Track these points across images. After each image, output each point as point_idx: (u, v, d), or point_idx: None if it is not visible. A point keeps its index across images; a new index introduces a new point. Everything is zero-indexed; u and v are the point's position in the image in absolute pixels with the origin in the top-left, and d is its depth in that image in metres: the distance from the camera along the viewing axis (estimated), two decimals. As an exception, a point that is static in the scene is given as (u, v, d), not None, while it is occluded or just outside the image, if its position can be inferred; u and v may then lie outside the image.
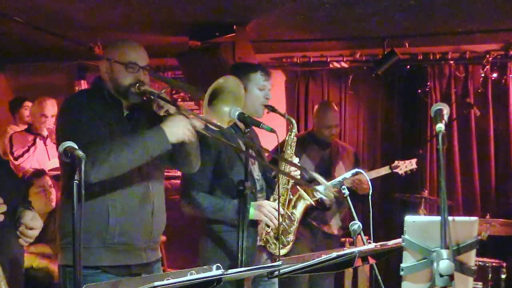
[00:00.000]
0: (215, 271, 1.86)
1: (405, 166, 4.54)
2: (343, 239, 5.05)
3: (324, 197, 3.26)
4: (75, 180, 1.93)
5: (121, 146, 2.51)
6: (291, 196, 3.25)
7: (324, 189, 3.28)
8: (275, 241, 3.14)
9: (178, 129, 2.63)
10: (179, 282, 1.73)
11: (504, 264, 4.46)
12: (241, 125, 2.98)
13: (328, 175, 4.40)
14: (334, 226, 4.54)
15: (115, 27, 5.12)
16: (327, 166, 4.47)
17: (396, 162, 4.57)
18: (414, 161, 4.56)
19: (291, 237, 3.20)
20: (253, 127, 3.03)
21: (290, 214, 3.20)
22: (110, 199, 2.61)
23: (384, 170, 4.55)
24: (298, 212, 3.26)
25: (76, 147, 2.04)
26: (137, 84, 2.72)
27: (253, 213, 3.07)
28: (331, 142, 4.57)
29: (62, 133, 2.67)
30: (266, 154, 3.43)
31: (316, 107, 4.85)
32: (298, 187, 3.29)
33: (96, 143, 2.52)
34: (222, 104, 2.71)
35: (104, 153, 2.48)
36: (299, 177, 3.29)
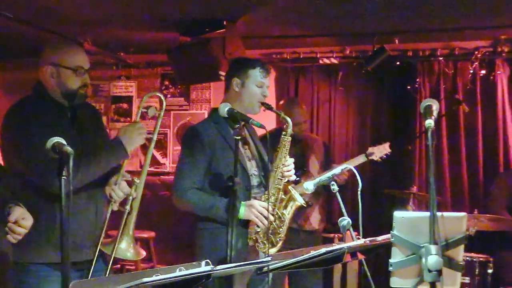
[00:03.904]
0: (204, 267, 1.86)
1: (379, 151, 4.56)
2: (332, 235, 5.08)
3: (300, 202, 3.26)
4: (63, 176, 1.93)
5: (88, 164, 2.71)
6: (283, 196, 3.24)
7: (299, 193, 3.31)
8: (264, 241, 3.12)
9: (133, 139, 2.85)
10: (168, 278, 1.72)
11: (491, 259, 4.49)
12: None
13: (303, 170, 4.43)
14: (314, 221, 4.58)
15: (105, 22, 5.10)
16: (301, 161, 4.47)
17: (370, 149, 4.58)
18: (386, 144, 4.59)
19: (280, 237, 3.19)
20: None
21: (280, 215, 3.19)
22: (56, 200, 2.58)
23: (360, 159, 4.54)
24: (288, 212, 3.26)
25: (65, 142, 2.04)
26: (84, 87, 2.85)
27: (243, 212, 3.06)
28: (301, 137, 4.57)
29: (13, 148, 2.73)
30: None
31: (281, 103, 4.83)
32: (289, 187, 3.29)
33: None
34: None
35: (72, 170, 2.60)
36: (292, 177, 3.29)
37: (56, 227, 2.67)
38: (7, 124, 2.78)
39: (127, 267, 5.80)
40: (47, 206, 2.67)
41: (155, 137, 2.99)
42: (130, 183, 2.89)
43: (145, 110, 3.17)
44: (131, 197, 2.88)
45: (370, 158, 4.56)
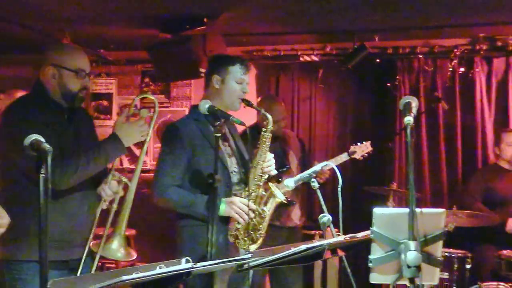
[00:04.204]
0: (184, 265, 1.86)
1: (361, 149, 4.65)
2: (313, 232, 5.10)
3: (280, 198, 3.27)
4: (42, 174, 1.91)
5: (87, 160, 2.75)
6: (263, 193, 3.24)
7: (280, 191, 3.31)
8: (244, 237, 3.13)
9: (133, 135, 2.88)
10: (148, 275, 1.72)
11: (469, 255, 4.54)
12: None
13: (286, 168, 4.43)
14: (295, 217, 4.60)
15: (85, 19, 5.05)
16: (282, 159, 4.48)
17: (352, 147, 4.67)
18: (368, 143, 4.68)
19: (260, 233, 3.19)
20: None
21: (260, 211, 3.19)
22: (51, 200, 2.65)
23: (343, 157, 4.60)
24: (269, 209, 3.26)
25: (43, 139, 2.02)
26: (84, 90, 2.90)
27: (223, 209, 3.06)
28: (280, 134, 4.58)
29: (12, 146, 2.71)
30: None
31: (259, 100, 4.82)
32: (269, 184, 3.29)
33: (61, 156, 2.70)
34: None
35: (72, 167, 2.71)
36: (273, 172, 3.29)
37: (48, 228, 2.68)
38: (6, 121, 2.80)
39: (107, 265, 5.77)
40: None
41: (148, 139, 2.98)
42: (119, 182, 2.93)
43: (137, 111, 3.15)
44: (118, 195, 2.92)
45: (352, 156, 4.60)
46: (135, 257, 3.08)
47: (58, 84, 2.84)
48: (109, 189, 2.88)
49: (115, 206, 2.91)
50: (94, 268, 2.92)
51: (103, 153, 2.80)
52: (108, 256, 2.94)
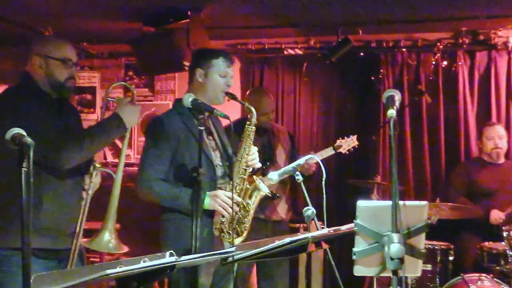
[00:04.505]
0: (168, 258, 1.86)
1: (347, 144, 4.63)
2: (297, 225, 5.11)
3: (265, 191, 3.27)
4: (24, 167, 1.90)
5: (91, 137, 2.80)
6: (248, 186, 3.25)
7: (265, 184, 3.32)
8: (229, 231, 3.13)
9: (134, 119, 2.93)
10: (132, 269, 1.71)
11: (452, 247, 4.59)
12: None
13: (271, 161, 4.43)
14: (281, 211, 4.59)
15: (68, 12, 5.01)
16: (269, 152, 4.47)
17: (338, 142, 4.65)
18: (354, 137, 4.67)
19: (245, 226, 3.20)
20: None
21: (245, 204, 3.19)
22: (44, 186, 2.71)
23: (328, 152, 4.58)
24: (253, 202, 3.26)
25: (24, 133, 2.00)
26: (71, 79, 2.93)
27: (208, 202, 3.06)
28: (268, 127, 4.57)
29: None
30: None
31: (247, 93, 4.81)
32: (254, 177, 3.29)
33: (61, 138, 2.75)
34: None
35: (77, 143, 2.75)
36: (257, 165, 3.30)
37: (40, 213, 2.70)
38: None
39: (92, 259, 5.74)
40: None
41: (128, 133, 2.99)
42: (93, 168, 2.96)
43: (113, 100, 3.16)
44: (93, 184, 2.93)
45: (338, 151, 4.59)
46: (126, 250, 3.07)
47: (45, 74, 2.85)
48: (88, 178, 2.92)
49: (90, 192, 2.93)
50: (73, 261, 2.90)
51: (106, 130, 2.85)
52: (99, 249, 2.95)
